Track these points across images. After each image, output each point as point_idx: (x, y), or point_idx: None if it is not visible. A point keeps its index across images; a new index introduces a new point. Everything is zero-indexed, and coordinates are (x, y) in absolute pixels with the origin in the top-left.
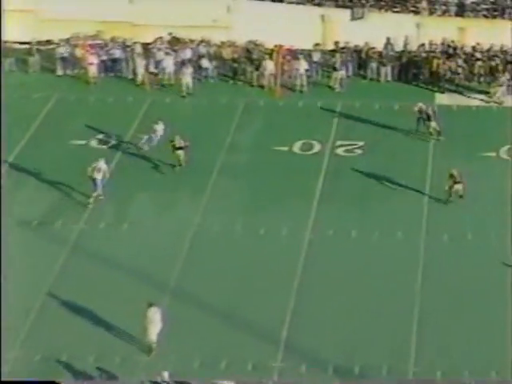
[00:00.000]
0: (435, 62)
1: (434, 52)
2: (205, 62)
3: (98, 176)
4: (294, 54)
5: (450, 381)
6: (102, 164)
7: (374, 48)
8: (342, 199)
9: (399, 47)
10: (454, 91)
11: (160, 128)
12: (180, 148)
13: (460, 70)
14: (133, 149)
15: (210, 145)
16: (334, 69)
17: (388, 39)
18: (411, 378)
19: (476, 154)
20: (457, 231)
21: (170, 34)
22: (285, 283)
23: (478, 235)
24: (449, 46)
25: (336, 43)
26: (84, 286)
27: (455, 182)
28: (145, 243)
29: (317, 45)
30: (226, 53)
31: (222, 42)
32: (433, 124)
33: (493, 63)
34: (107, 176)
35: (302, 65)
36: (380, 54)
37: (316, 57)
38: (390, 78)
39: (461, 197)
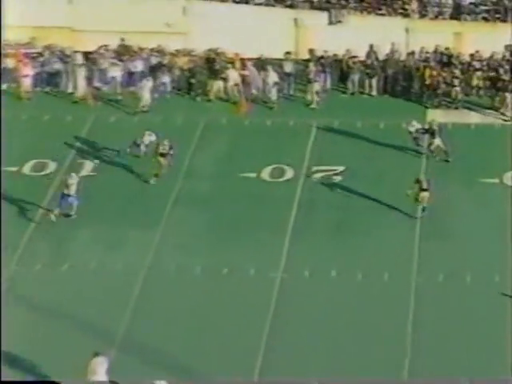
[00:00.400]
0: (427, 72)
1: (425, 61)
2: (163, 76)
3: (71, 191)
4: (262, 63)
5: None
6: (74, 178)
7: (355, 57)
8: (319, 233)
9: (385, 55)
10: (450, 106)
11: (147, 139)
12: (162, 155)
13: (456, 82)
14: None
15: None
16: (309, 81)
17: (371, 46)
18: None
19: (476, 179)
20: (453, 270)
21: (123, 40)
22: (253, 332)
23: (477, 275)
24: (443, 53)
25: (311, 51)
26: (17, 336)
27: (421, 190)
28: (87, 288)
29: (288, 53)
30: (182, 63)
31: (177, 51)
32: (437, 141)
33: (494, 74)
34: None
35: (272, 76)
36: (363, 63)
37: (288, 67)
38: (374, 92)
39: (424, 209)
